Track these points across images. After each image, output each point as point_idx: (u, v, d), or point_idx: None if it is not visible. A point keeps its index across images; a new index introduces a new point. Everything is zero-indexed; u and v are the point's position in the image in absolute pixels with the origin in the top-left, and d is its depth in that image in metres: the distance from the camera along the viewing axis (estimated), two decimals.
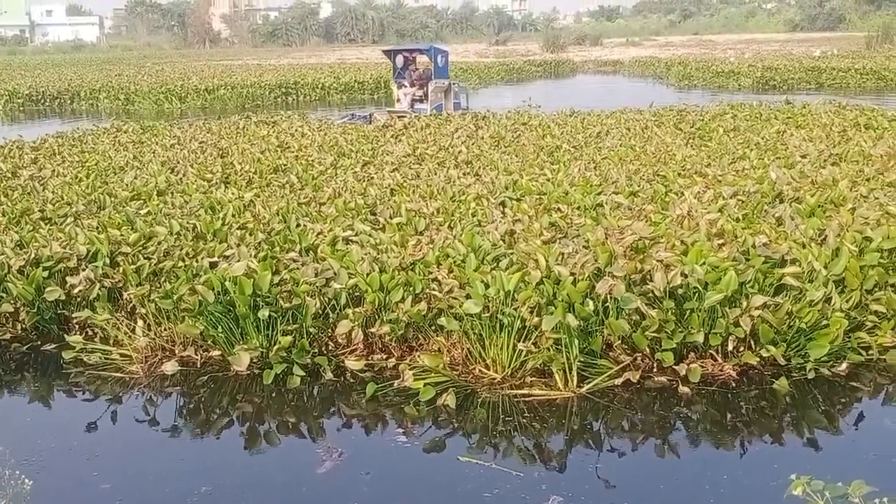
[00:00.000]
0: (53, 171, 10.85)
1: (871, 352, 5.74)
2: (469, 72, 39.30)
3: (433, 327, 5.88)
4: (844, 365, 5.59)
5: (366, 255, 6.23)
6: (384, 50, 22.58)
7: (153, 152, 12.41)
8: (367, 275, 5.91)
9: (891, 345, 5.83)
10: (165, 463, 4.88)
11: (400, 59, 21.35)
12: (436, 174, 9.87)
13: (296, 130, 14.68)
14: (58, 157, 12.29)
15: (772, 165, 9.35)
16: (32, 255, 6.56)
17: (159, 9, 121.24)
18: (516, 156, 11.22)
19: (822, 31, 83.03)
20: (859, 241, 6.15)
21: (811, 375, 5.49)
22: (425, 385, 5.36)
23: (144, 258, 6.51)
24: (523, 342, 5.49)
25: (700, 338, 5.47)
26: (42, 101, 31.54)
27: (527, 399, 5.36)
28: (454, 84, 21.17)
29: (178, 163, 11.18)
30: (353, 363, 5.70)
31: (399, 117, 17.56)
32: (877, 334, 5.80)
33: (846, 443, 4.91)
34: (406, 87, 20.52)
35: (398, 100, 20.70)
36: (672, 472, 4.61)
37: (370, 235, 6.90)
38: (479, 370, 5.68)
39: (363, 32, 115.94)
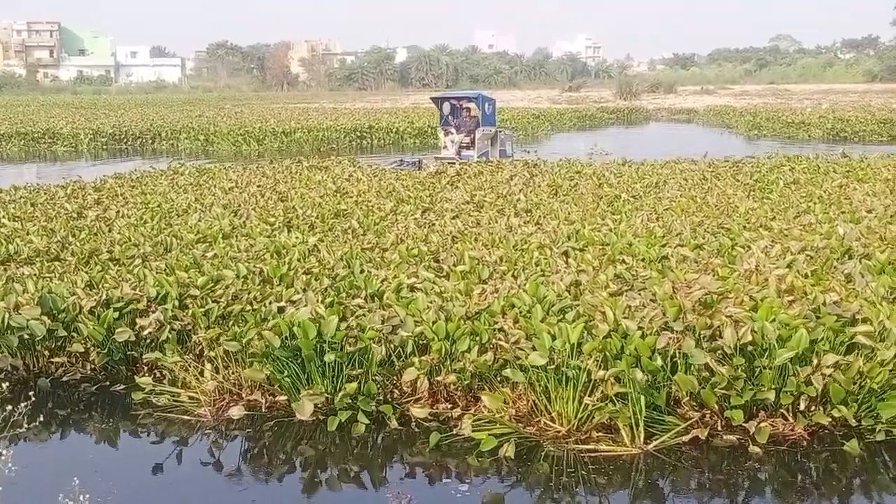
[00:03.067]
0: (118, 212, 11.16)
1: None
2: (541, 118, 39.48)
3: (498, 378, 5.86)
4: None
5: (431, 302, 6.26)
6: (432, 98, 22.76)
7: (213, 195, 12.70)
8: (434, 323, 5.93)
9: None
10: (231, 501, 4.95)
11: (447, 107, 21.48)
12: (496, 222, 9.90)
13: (350, 175, 14.91)
14: (119, 198, 12.64)
15: (839, 220, 9.17)
16: (103, 297, 6.73)
17: (239, 52, 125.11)
18: (575, 205, 11.21)
19: None
20: None
21: (881, 437, 5.32)
22: (488, 435, 5.34)
23: (213, 301, 6.64)
24: (589, 396, 5.44)
25: (771, 396, 5.35)
26: (125, 139, 32.75)
27: (592, 454, 5.29)
28: (500, 131, 21.29)
29: (240, 206, 11.41)
30: (418, 411, 5.71)
31: (449, 164, 17.67)
32: None
33: None
34: (453, 133, 20.58)
35: (444, 146, 20.75)
36: None
37: (434, 283, 6.93)
38: (545, 423, 5.63)
39: (437, 77, 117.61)
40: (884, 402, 5.32)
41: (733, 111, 42.77)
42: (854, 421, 5.34)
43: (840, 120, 33.37)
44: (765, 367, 5.39)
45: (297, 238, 9.00)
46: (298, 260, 7.88)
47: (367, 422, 5.68)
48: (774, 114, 37.49)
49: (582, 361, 5.46)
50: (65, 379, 6.64)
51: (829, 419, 5.39)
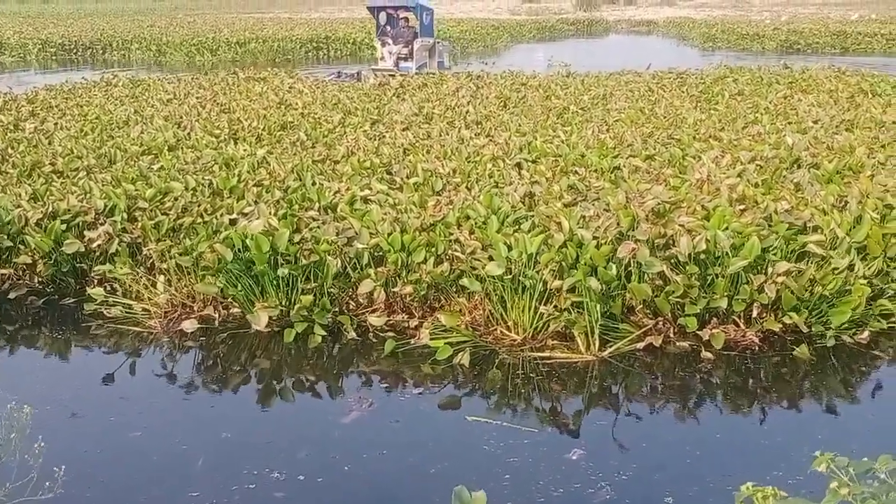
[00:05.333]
0: (56, 124, 10.83)
1: (892, 319, 5.65)
2: (501, 29, 38.97)
3: (455, 288, 5.87)
4: (866, 333, 5.51)
5: (386, 214, 6.21)
6: (368, 6, 22.14)
7: (153, 107, 12.40)
8: (389, 235, 5.90)
9: None
10: (185, 413, 4.95)
11: (383, 16, 20.77)
12: (447, 134, 9.83)
13: (290, 87, 14.64)
14: (55, 110, 12.27)
15: (786, 131, 9.24)
16: (49, 209, 6.59)
17: None
18: (525, 117, 11.15)
19: None
20: (880, 208, 6.08)
21: (831, 343, 5.42)
22: (444, 344, 5.36)
23: (162, 213, 6.54)
24: (545, 305, 5.46)
25: (724, 303, 5.41)
26: (75, 50, 31.87)
27: (547, 361, 5.34)
28: (438, 42, 20.90)
29: (182, 118, 11.16)
30: (375, 320, 5.70)
31: (389, 75, 17.32)
32: None
33: (865, 411, 4.85)
34: (390, 44, 20.03)
35: (382, 57, 20.17)
36: (691, 437, 4.58)
37: (388, 195, 6.89)
38: (501, 332, 5.66)
39: None
40: (835, 309, 5.40)
41: (692, 23, 42.49)
42: (805, 327, 5.43)
43: (794, 32, 33.36)
44: (718, 276, 5.44)
45: (244, 150, 8.86)
46: (248, 172, 7.78)
47: (324, 333, 5.67)
48: (730, 26, 37.36)
49: (538, 271, 5.46)
50: (11, 296, 6.50)
51: (781, 326, 5.47)
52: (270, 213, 6.20)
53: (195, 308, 6.06)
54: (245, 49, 31.00)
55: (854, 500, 2.13)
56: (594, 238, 5.51)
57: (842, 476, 2.19)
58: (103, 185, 7.14)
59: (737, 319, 5.63)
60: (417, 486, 4.16)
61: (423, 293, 5.84)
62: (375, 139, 9.69)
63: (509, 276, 5.51)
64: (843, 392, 5.01)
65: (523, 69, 17.76)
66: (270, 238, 5.72)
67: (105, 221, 6.43)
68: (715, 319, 5.63)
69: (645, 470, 4.22)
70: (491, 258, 5.55)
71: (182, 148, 9.22)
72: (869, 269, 5.62)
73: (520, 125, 10.36)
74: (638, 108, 11.61)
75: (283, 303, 5.85)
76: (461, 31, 35.77)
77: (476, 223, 6.07)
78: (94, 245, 6.27)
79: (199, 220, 6.38)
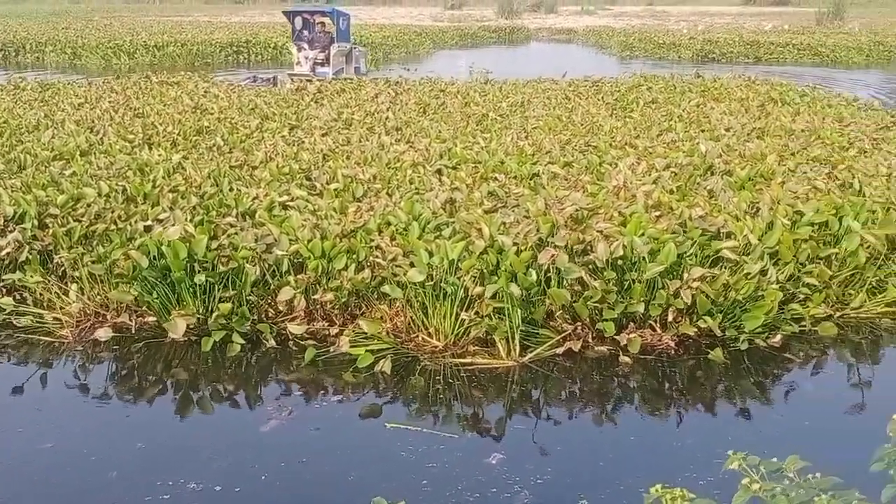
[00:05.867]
0: None
1: (803, 323, 5.83)
2: (423, 36, 39.05)
3: (376, 295, 5.85)
4: (778, 336, 5.67)
5: (306, 220, 6.16)
6: (284, 11, 21.95)
7: (63, 111, 12.03)
8: (309, 241, 5.84)
9: (822, 316, 5.93)
10: (99, 424, 4.83)
11: (299, 21, 20.69)
12: (367, 140, 9.80)
13: (206, 91, 14.46)
14: None
15: (699, 138, 9.47)
16: None
17: None
18: (444, 123, 11.19)
19: (775, 5, 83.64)
20: (791, 214, 6.27)
21: (745, 347, 5.56)
22: (365, 351, 5.33)
23: (74, 220, 6.36)
24: (466, 311, 5.48)
25: (641, 308, 5.50)
26: None
27: (468, 367, 5.36)
28: (355, 48, 20.93)
29: (95, 122, 10.86)
30: (295, 328, 5.64)
31: (307, 80, 17.27)
32: (809, 306, 5.89)
33: (777, 413, 4.97)
34: (306, 49, 20.00)
35: (298, 62, 20.16)
36: (609, 441, 4.65)
37: (308, 201, 6.84)
38: (422, 338, 5.66)
39: None
40: (748, 313, 5.54)
41: (611, 31, 43.24)
42: (719, 331, 5.55)
43: (709, 42, 34.30)
44: (635, 281, 5.53)
45: (159, 155, 8.68)
46: (163, 178, 7.62)
47: (242, 342, 5.59)
48: (647, 35, 38.18)
49: (459, 278, 5.48)
50: None
51: (696, 330, 5.59)
52: (187, 220, 6.09)
53: (109, 317, 5.92)
54: (163, 52, 30.45)
55: (764, 497, 2.19)
56: (514, 244, 5.54)
57: (753, 475, 2.25)
58: (12, 192, 6.91)
59: (653, 324, 5.73)
60: (336, 494, 4.13)
61: (343, 300, 5.80)
62: (294, 144, 9.61)
63: (430, 283, 5.52)
64: (755, 394, 5.14)
65: (443, 76, 17.87)
66: (187, 245, 5.61)
67: (14, 229, 6.21)
68: (632, 324, 5.72)
69: (562, 473, 4.26)
70: (412, 265, 5.55)
71: (95, 153, 8.97)
72: (781, 274, 5.78)
73: (440, 132, 10.38)
74: (555, 115, 11.75)
75: (201, 311, 5.74)
76: (383, 36, 35.70)
77: (397, 230, 6.06)
78: (3, 253, 6.05)
79: (113, 226, 6.21)
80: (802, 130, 10.21)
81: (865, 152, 8.98)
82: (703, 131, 10.33)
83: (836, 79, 24.50)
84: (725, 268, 5.68)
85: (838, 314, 6.09)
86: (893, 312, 6.17)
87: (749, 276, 5.58)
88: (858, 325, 6.06)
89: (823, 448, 4.52)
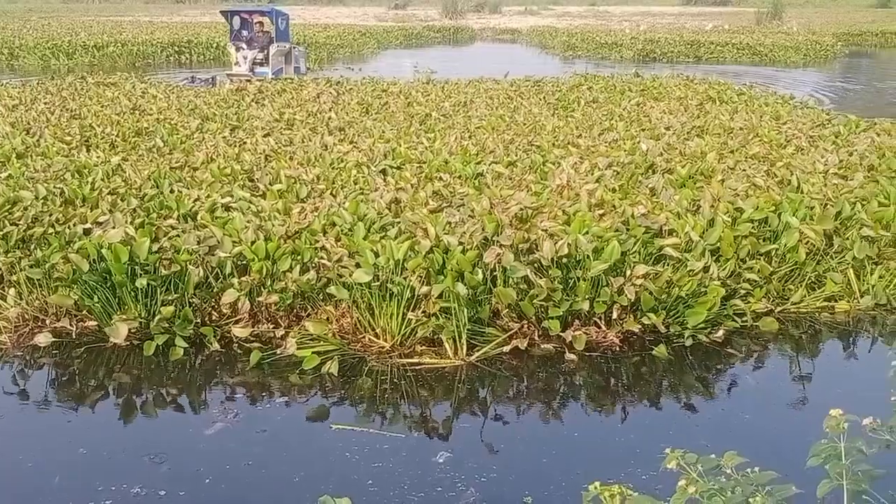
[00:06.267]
0: None
1: (744, 319, 5.93)
2: (368, 36, 38.96)
3: (322, 297, 5.81)
4: (721, 332, 5.75)
5: (249, 222, 6.09)
6: (222, 11, 21.79)
7: None
8: (253, 243, 5.78)
9: (763, 311, 6.05)
10: (39, 431, 4.73)
11: (237, 20, 20.53)
12: (310, 140, 9.74)
13: (144, 92, 14.26)
14: None
15: (640, 137, 9.58)
16: None
17: None
18: (388, 123, 11.17)
19: (716, 5, 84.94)
20: (731, 211, 6.37)
21: (689, 342, 5.63)
22: (312, 353, 5.30)
23: (11, 224, 6.22)
24: (413, 311, 5.47)
25: (585, 306, 5.55)
26: None
27: (416, 367, 5.35)
28: (294, 48, 20.85)
29: (31, 124, 10.61)
30: (239, 331, 5.57)
31: (246, 80, 17.13)
32: (750, 301, 5.99)
33: (718, 407, 5.05)
34: (244, 49, 19.84)
35: (237, 63, 19.98)
36: (555, 438, 4.67)
37: (251, 202, 6.77)
38: (369, 339, 5.64)
39: None
40: (691, 310, 5.62)
41: (555, 31, 43.55)
42: (663, 327, 5.62)
43: (650, 41, 34.81)
44: (580, 279, 5.57)
45: (98, 157, 8.53)
46: (102, 180, 7.49)
47: (186, 345, 5.51)
48: (589, 35, 38.58)
49: (405, 278, 5.47)
50: None
51: (640, 326, 5.65)
52: (127, 222, 5.99)
53: (49, 322, 5.79)
54: (103, 53, 29.97)
55: (701, 497, 2.21)
56: (460, 244, 5.56)
57: (691, 472, 2.27)
58: None
59: (598, 321, 5.78)
60: (282, 496, 4.09)
61: (289, 302, 5.75)
62: (235, 145, 9.51)
63: (377, 283, 5.50)
64: (698, 389, 5.21)
65: (389, 76, 17.86)
66: (129, 248, 5.52)
67: None
68: (577, 322, 5.77)
69: (508, 471, 4.28)
70: (358, 265, 5.52)
71: (31, 155, 8.78)
72: (723, 270, 5.87)
73: (383, 131, 10.36)
74: (498, 115, 11.79)
75: (143, 315, 5.65)
76: (327, 36, 35.55)
77: (342, 230, 6.03)
78: None
79: (51, 230, 6.09)
80: (741, 128, 10.40)
81: (802, 150, 9.18)
82: (643, 130, 10.46)
83: (779, 77, 25.04)
84: (668, 265, 5.75)
85: (779, 309, 6.21)
86: (832, 307, 6.31)
87: (692, 273, 5.65)
88: (798, 320, 6.18)
89: (764, 442, 4.60)
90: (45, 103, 12.64)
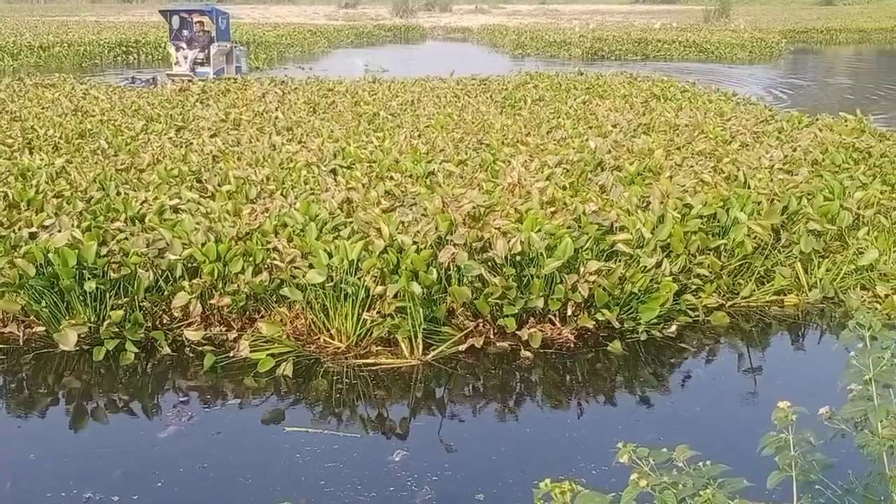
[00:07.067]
0: None
1: (696, 313, 6.00)
2: (318, 34, 38.79)
3: (275, 298, 5.76)
4: (674, 327, 5.82)
5: (198, 224, 6.01)
6: (161, 10, 21.59)
7: None
8: (203, 245, 5.71)
9: (714, 306, 6.13)
10: None
11: (177, 20, 20.36)
12: (258, 140, 9.65)
13: (85, 93, 14.02)
14: None
15: (588, 135, 9.64)
16: None
17: None
18: (336, 122, 11.11)
19: (665, 3, 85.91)
20: (680, 207, 6.44)
21: (643, 338, 5.69)
22: (266, 355, 5.25)
23: None
24: (368, 311, 5.45)
25: (540, 303, 5.57)
26: None
27: (371, 368, 5.34)
28: (235, 47, 20.76)
29: None
30: (192, 334, 5.50)
31: (189, 81, 16.97)
32: (701, 296, 6.07)
33: (674, 400, 5.11)
34: (184, 48, 19.66)
35: (177, 62, 19.81)
36: (510, 435, 4.69)
37: (200, 204, 6.68)
38: (324, 340, 5.61)
39: None
40: (644, 305, 5.67)
41: (505, 30, 43.71)
42: (617, 323, 5.66)
43: (598, 39, 35.11)
44: (534, 276, 5.59)
45: (41, 160, 8.34)
46: (46, 183, 7.34)
47: (136, 350, 5.43)
48: (538, 33, 38.79)
49: (360, 278, 5.44)
50: None
51: (594, 323, 5.69)
52: (74, 226, 5.87)
53: None
54: (49, 53, 29.49)
55: (653, 491, 2.23)
56: (414, 243, 5.54)
57: (643, 466, 2.28)
58: None
59: (553, 318, 5.81)
60: (236, 498, 4.05)
61: (241, 304, 5.70)
62: (182, 146, 9.37)
63: (331, 284, 5.46)
64: (652, 384, 5.27)
65: (340, 74, 17.75)
66: (76, 251, 5.42)
67: None
68: (532, 319, 5.79)
69: (463, 469, 4.29)
70: (311, 266, 5.48)
71: None
72: (674, 265, 5.93)
73: (332, 131, 10.29)
74: (446, 113, 11.75)
75: (92, 319, 5.56)
76: (277, 35, 35.30)
77: (294, 231, 5.97)
78: None
79: None
80: (686, 125, 10.49)
81: (747, 146, 9.30)
82: (590, 128, 10.50)
83: (730, 74, 25.42)
84: (620, 261, 5.80)
85: (729, 304, 6.29)
86: (781, 301, 6.41)
87: (645, 269, 5.70)
88: (749, 314, 6.27)
89: (716, 435, 4.66)
90: None
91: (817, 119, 11.23)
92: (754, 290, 6.41)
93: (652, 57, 32.35)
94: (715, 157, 8.53)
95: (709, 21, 49.93)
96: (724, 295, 6.32)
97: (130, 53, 30.72)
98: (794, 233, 6.60)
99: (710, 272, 6.16)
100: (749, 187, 7.04)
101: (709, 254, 6.26)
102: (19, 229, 5.90)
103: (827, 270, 6.55)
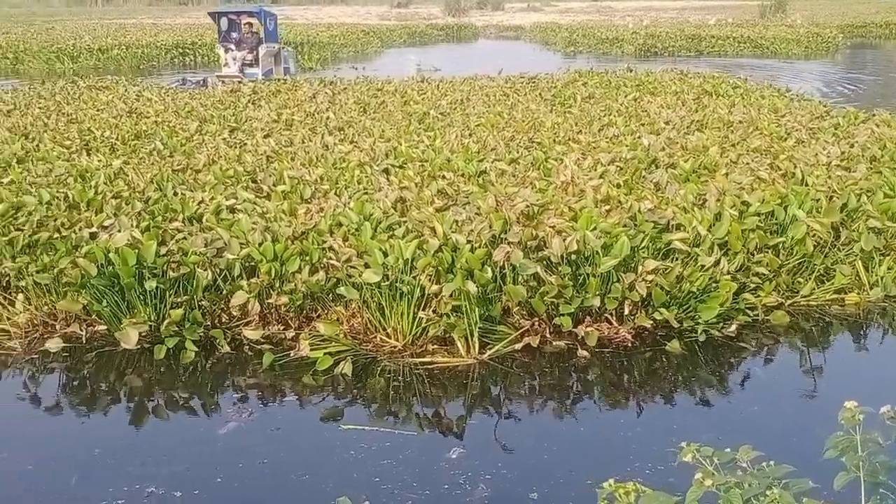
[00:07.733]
0: None
1: (755, 312, 5.90)
2: (371, 35, 38.98)
3: (331, 297, 5.80)
4: (733, 326, 5.73)
5: (255, 223, 6.08)
6: (210, 12, 21.80)
7: None
8: (261, 244, 5.77)
9: (774, 305, 6.02)
10: (53, 434, 4.76)
11: (225, 22, 20.47)
12: (310, 140, 9.70)
13: (139, 95, 14.22)
14: None
15: (641, 132, 9.53)
16: None
17: None
18: (386, 122, 11.12)
19: None
20: (737, 205, 6.34)
21: (702, 338, 5.61)
22: (325, 354, 5.29)
23: (16, 229, 6.18)
24: (423, 310, 5.46)
25: (597, 302, 5.53)
26: None
27: (428, 366, 5.34)
28: (283, 48, 20.86)
29: (28, 129, 10.55)
30: (250, 333, 5.56)
31: (238, 82, 17.11)
32: (760, 295, 5.97)
33: (732, 400, 5.03)
34: (233, 50, 19.81)
35: (226, 64, 19.94)
36: (567, 434, 4.66)
37: (256, 204, 6.75)
38: (380, 339, 5.63)
39: None
40: (703, 304, 5.60)
41: (557, 28, 43.48)
42: (675, 322, 5.59)
43: (651, 36, 34.69)
44: (590, 275, 5.55)
45: (99, 161, 8.50)
46: (105, 184, 7.47)
47: (196, 349, 5.51)
48: (590, 31, 38.52)
49: (415, 277, 5.45)
50: None
51: (652, 322, 5.63)
52: (133, 226, 5.97)
53: (58, 327, 5.80)
54: (108, 56, 30.04)
55: (718, 490, 2.20)
56: (468, 242, 5.54)
57: (707, 466, 2.26)
58: None
59: (609, 317, 5.76)
60: (295, 494, 4.09)
61: (298, 303, 5.74)
62: (236, 147, 9.46)
63: (386, 283, 5.49)
64: (712, 384, 5.19)
65: (393, 73, 17.80)
66: (136, 251, 5.51)
67: None
68: (589, 318, 5.75)
69: (517, 468, 4.27)
70: (367, 265, 5.51)
71: (32, 160, 8.72)
72: (732, 264, 5.84)
73: (383, 130, 10.31)
74: (496, 112, 11.69)
75: (153, 318, 5.65)
76: (331, 35, 35.57)
77: (349, 230, 6.01)
78: None
79: (57, 234, 6.06)
80: (740, 122, 10.32)
81: (803, 142, 9.12)
82: (643, 125, 10.38)
83: (789, 70, 24.99)
84: (678, 260, 5.73)
85: (789, 302, 6.19)
86: (842, 299, 6.29)
87: (703, 268, 5.63)
88: (808, 313, 6.16)
89: (778, 436, 4.58)
90: (40, 108, 12.57)
91: (874, 115, 10.98)
92: (814, 289, 6.29)
93: (706, 53, 31.93)
94: (771, 153, 8.39)
95: (765, 16, 49.08)
96: (783, 294, 6.21)
97: (187, 55, 31.14)
98: (854, 230, 6.46)
99: (769, 271, 6.06)
100: (807, 184, 6.91)
101: (767, 252, 6.16)
102: (80, 230, 6.02)
103: (889, 268, 6.41)
